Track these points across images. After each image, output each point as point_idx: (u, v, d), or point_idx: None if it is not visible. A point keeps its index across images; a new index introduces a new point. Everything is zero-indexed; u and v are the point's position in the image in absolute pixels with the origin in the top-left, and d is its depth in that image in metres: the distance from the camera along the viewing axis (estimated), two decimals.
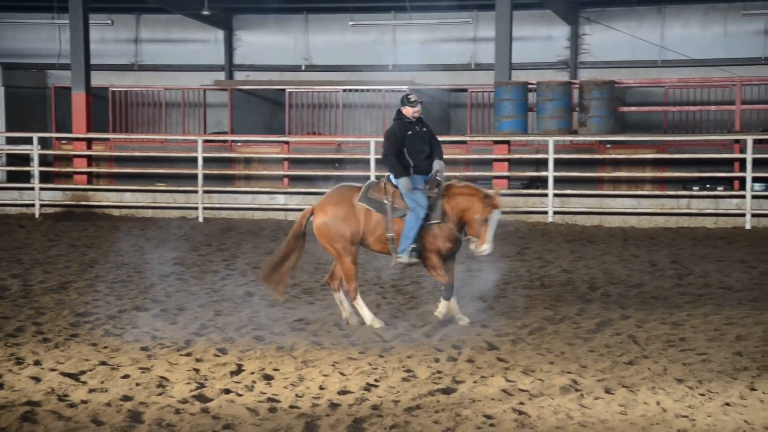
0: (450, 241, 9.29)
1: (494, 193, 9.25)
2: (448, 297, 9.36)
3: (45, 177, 21.25)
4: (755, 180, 18.01)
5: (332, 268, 9.70)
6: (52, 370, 7.61)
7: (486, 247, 9.15)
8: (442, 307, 9.37)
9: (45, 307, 10.26)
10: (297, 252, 9.66)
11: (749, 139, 17.91)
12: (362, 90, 22.06)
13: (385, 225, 9.32)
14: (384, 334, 8.98)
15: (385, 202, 9.34)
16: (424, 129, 9.59)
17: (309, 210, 9.64)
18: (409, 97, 9.56)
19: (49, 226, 18.17)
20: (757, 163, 17.96)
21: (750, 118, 21.33)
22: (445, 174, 9.62)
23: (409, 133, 9.46)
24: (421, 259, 9.38)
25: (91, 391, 7.06)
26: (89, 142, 21.02)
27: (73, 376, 7.43)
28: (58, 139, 21.88)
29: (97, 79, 22.78)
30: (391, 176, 9.44)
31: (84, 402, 6.80)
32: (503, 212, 9.29)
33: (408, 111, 9.51)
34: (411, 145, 9.43)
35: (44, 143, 21.96)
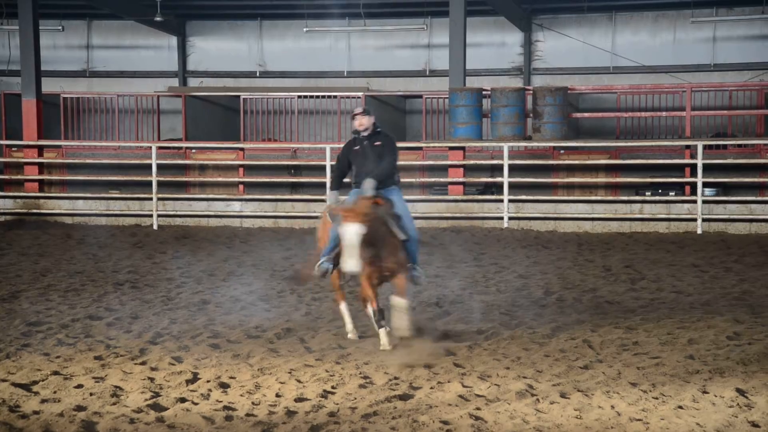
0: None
1: (336, 207, 8.71)
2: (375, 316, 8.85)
3: None
4: (706, 185, 18.28)
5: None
6: (3, 380, 7.49)
7: (343, 263, 8.47)
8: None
9: None
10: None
11: (699, 145, 18.17)
12: (317, 96, 22.04)
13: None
14: (340, 340, 8.98)
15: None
16: (377, 143, 9.03)
17: None
18: (354, 110, 9.18)
19: (0, 235, 17.90)
20: (708, 169, 18.24)
21: (700, 124, 21.66)
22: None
23: (356, 148, 9.04)
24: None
25: (43, 401, 6.96)
26: (40, 149, 20.76)
27: (25, 387, 7.33)
28: (8, 146, 21.59)
29: (48, 86, 22.52)
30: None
31: (36, 413, 6.70)
32: (346, 225, 8.31)
33: (354, 124, 9.12)
34: (355, 161, 9.05)
35: None
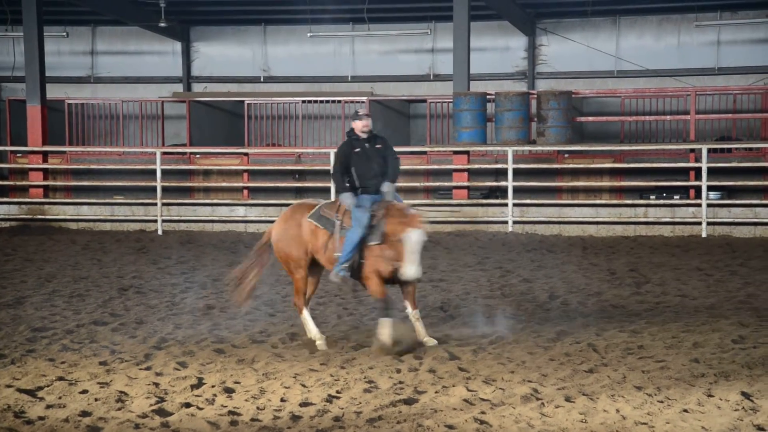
0: (391, 263, 8.71)
1: (413, 213, 8.73)
2: (387, 315, 8.76)
3: (0, 191, 20.94)
4: (710, 189, 18.26)
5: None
6: (9, 386, 7.50)
7: (406, 270, 8.57)
8: (384, 328, 8.73)
9: (1, 322, 10.12)
10: (259, 266, 9.47)
11: (704, 149, 18.16)
12: (321, 101, 22.07)
13: (333, 243, 8.88)
14: (345, 345, 8.97)
15: (335, 220, 8.94)
16: (378, 146, 9.06)
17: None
18: (358, 110, 9.15)
19: (5, 241, 17.93)
20: (712, 172, 18.22)
21: (704, 128, 21.63)
22: (398, 195, 9.24)
23: (357, 150, 9.00)
24: (358, 278, 8.95)
25: (48, 407, 6.97)
26: (45, 155, 20.80)
27: (30, 393, 7.34)
28: (13, 152, 21.61)
29: (53, 92, 22.55)
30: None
31: (41, 418, 6.71)
32: (422, 233, 8.58)
33: (357, 125, 9.06)
34: (358, 164, 8.98)
35: None
